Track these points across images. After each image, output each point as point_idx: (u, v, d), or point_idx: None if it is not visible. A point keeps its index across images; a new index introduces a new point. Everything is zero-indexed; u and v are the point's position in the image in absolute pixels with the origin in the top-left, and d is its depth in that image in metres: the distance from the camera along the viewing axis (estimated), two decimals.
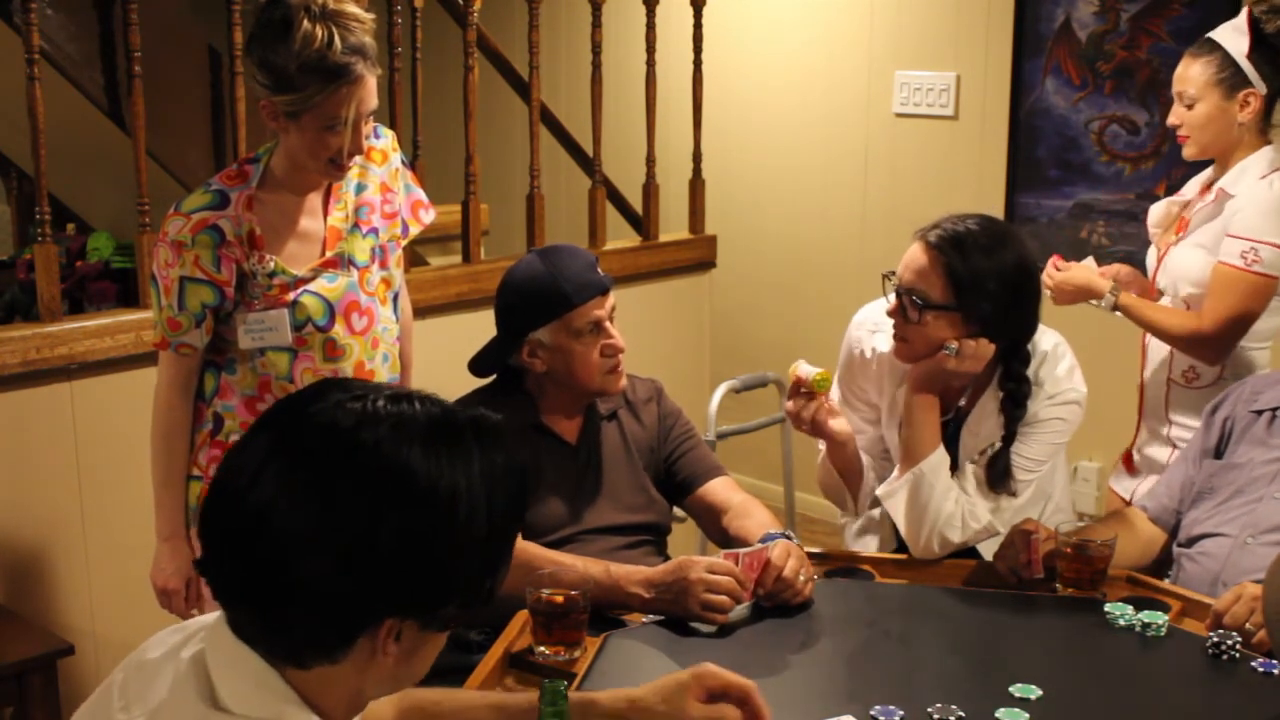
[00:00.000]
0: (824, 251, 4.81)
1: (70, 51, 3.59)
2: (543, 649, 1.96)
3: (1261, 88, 2.68)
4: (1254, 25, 2.66)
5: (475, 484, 1.20)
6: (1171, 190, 3.88)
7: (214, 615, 1.27)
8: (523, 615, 2.04)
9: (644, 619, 2.09)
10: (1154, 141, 3.94)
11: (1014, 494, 2.34)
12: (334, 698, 1.25)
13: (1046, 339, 2.38)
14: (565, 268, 2.30)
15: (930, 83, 4.46)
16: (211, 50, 3.81)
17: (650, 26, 3.96)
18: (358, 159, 2.39)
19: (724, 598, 2.04)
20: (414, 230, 2.58)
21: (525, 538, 2.24)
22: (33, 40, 2.80)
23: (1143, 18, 3.92)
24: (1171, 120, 2.79)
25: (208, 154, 3.86)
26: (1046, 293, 2.71)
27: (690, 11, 4.05)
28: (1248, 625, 1.98)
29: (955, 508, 2.31)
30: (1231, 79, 2.69)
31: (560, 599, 1.96)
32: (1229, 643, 1.96)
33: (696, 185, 4.16)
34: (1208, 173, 2.87)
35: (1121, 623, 2.07)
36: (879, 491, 2.39)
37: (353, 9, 2.25)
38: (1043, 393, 2.34)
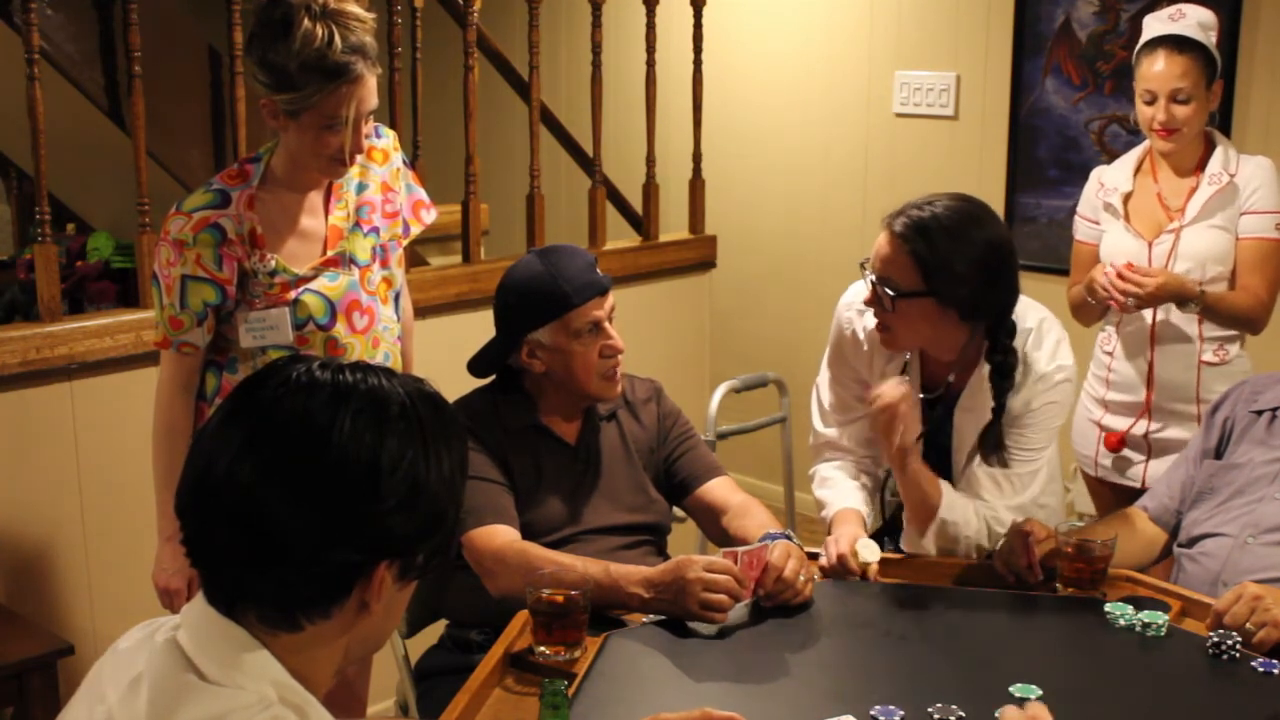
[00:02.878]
0: (824, 251, 4.81)
1: (70, 51, 3.60)
2: (543, 649, 1.96)
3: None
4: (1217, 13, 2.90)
5: (436, 442, 1.27)
6: None
7: (185, 609, 1.30)
8: (523, 615, 2.04)
9: (644, 619, 2.09)
10: None
11: (1006, 464, 2.34)
12: (320, 661, 1.28)
13: (1030, 315, 2.36)
14: (565, 268, 2.30)
15: (930, 83, 4.46)
16: (211, 50, 3.81)
17: (650, 26, 3.96)
18: (359, 158, 2.39)
19: (722, 597, 2.04)
20: (415, 230, 2.58)
21: (525, 537, 2.24)
22: (33, 40, 2.80)
23: (1143, 18, 3.91)
24: (1161, 118, 2.87)
25: (208, 154, 3.86)
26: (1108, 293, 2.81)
27: (690, 11, 4.05)
28: (1248, 625, 1.98)
29: (979, 523, 2.32)
30: (1210, 71, 2.87)
31: (560, 599, 1.96)
32: (1229, 643, 1.96)
33: (696, 185, 4.16)
34: (1131, 160, 3.02)
35: (1121, 623, 2.07)
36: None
37: (353, 8, 2.25)
38: (1031, 377, 2.32)
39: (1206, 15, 2.89)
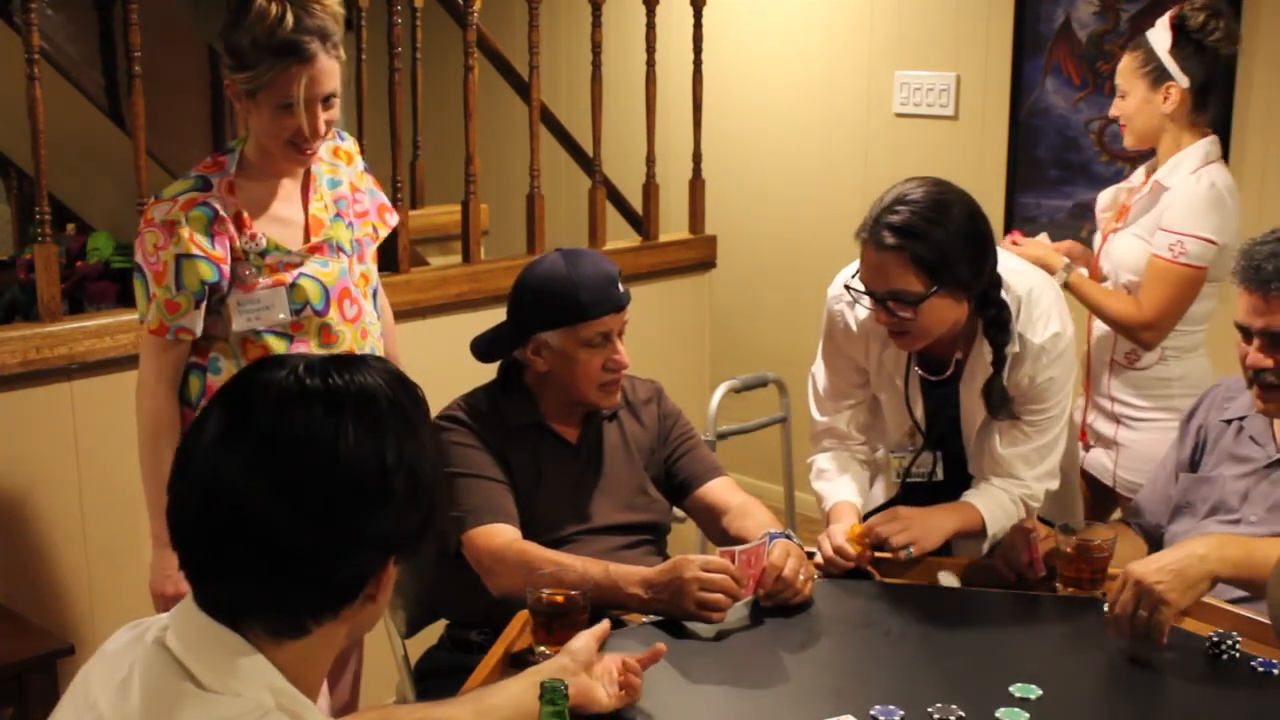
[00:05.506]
0: (824, 251, 4.80)
1: (70, 51, 3.60)
2: (543, 649, 1.96)
3: (1183, 80, 2.84)
4: (1177, 22, 2.85)
5: (418, 426, 1.29)
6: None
7: (171, 611, 1.29)
8: (523, 615, 2.04)
9: (643, 619, 2.09)
10: None
11: (1016, 416, 2.36)
12: (321, 658, 1.29)
13: (1019, 283, 2.34)
14: (587, 278, 2.28)
15: (930, 83, 4.46)
16: (211, 50, 3.81)
17: (650, 26, 3.96)
18: (325, 156, 2.42)
19: (719, 596, 2.03)
20: (383, 232, 2.59)
21: (525, 536, 2.24)
22: (33, 40, 2.80)
23: (1143, 18, 3.91)
24: (1113, 112, 2.98)
25: (207, 154, 3.86)
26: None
27: (690, 11, 4.05)
28: (1140, 611, 1.94)
29: (1017, 508, 2.37)
30: (1155, 72, 2.86)
31: (560, 599, 1.96)
32: (1229, 643, 1.96)
33: (696, 185, 4.16)
34: (1153, 160, 3.02)
35: None
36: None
37: None
38: (1029, 352, 2.32)
39: (1169, 15, 2.89)
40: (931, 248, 2.20)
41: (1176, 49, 2.84)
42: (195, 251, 2.29)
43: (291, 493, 1.20)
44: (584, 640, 1.81)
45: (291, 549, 1.20)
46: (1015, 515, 2.37)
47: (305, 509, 1.20)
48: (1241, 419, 2.34)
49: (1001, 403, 2.33)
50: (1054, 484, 2.43)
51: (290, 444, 1.21)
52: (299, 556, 1.21)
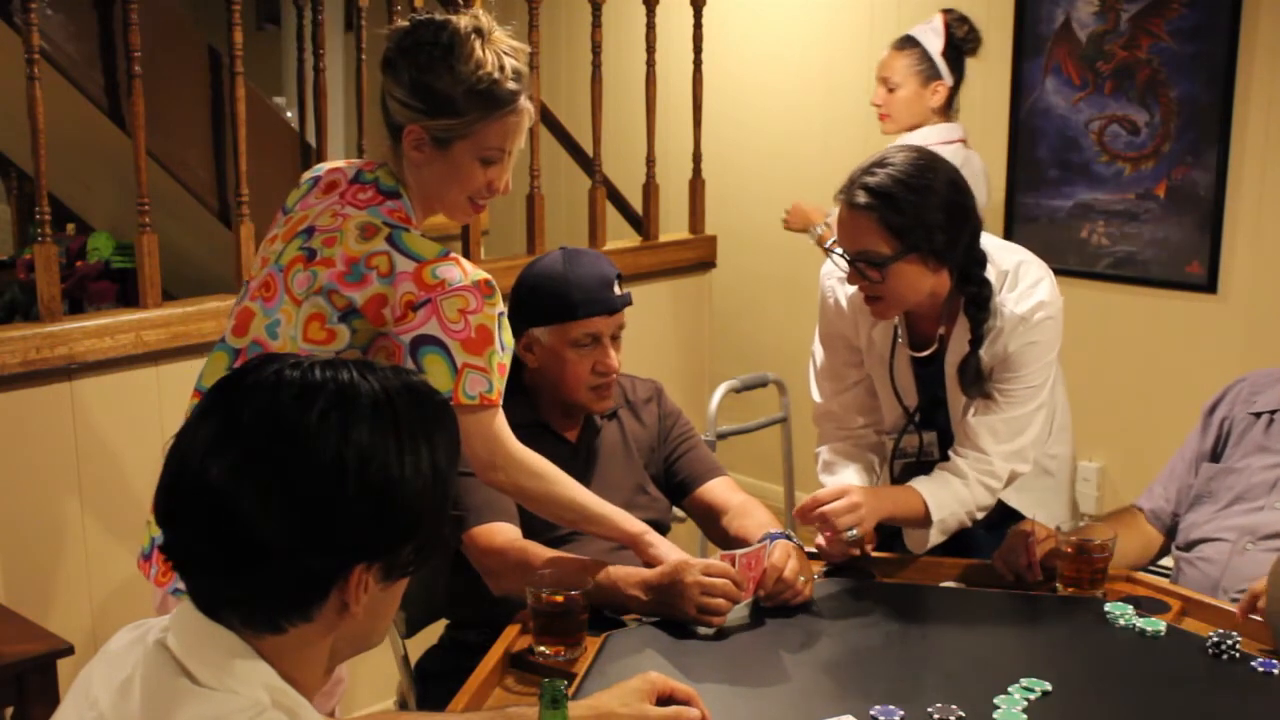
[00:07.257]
0: (824, 252, 4.80)
1: (70, 51, 3.59)
2: (543, 649, 1.96)
3: (949, 79, 3.50)
4: (947, 30, 3.47)
5: (414, 436, 1.25)
6: (1172, 190, 3.91)
7: (173, 612, 1.30)
8: (523, 615, 2.04)
9: (643, 619, 2.09)
10: (1154, 141, 3.94)
11: (989, 396, 2.33)
12: (309, 661, 1.28)
13: (1006, 258, 2.34)
14: (583, 277, 2.28)
15: None
16: (211, 50, 3.81)
17: (650, 26, 3.97)
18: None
19: (719, 600, 2.03)
20: None
21: (525, 537, 2.24)
22: (33, 40, 2.80)
23: (1143, 18, 3.92)
24: (875, 101, 3.59)
25: (208, 154, 3.86)
26: None
27: (690, 11, 4.05)
28: None
29: (971, 493, 2.32)
30: (927, 70, 3.49)
31: (560, 599, 1.95)
32: (1229, 643, 1.96)
33: (696, 185, 4.16)
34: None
35: (1121, 623, 2.07)
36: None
37: (509, 37, 2.13)
38: (1008, 322, 2.30)
39: (940, 22, 3.48)
40: (903, 210, 2.19)
41: (945, 53, 3.45)
42: (504, 309, 2.09)
43: (246, 473, 1.19)
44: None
45: (247, 536, 1.19)
46: (971, 501, 2.32)
47: (259, 492, 1.19)
48: (1273, 412, 2.35)
49: (974, 380, 2.31)
50: (1023, 467, 2.37)
51: (251, 423, 1.21)
52: (254, 544, 1.19)
